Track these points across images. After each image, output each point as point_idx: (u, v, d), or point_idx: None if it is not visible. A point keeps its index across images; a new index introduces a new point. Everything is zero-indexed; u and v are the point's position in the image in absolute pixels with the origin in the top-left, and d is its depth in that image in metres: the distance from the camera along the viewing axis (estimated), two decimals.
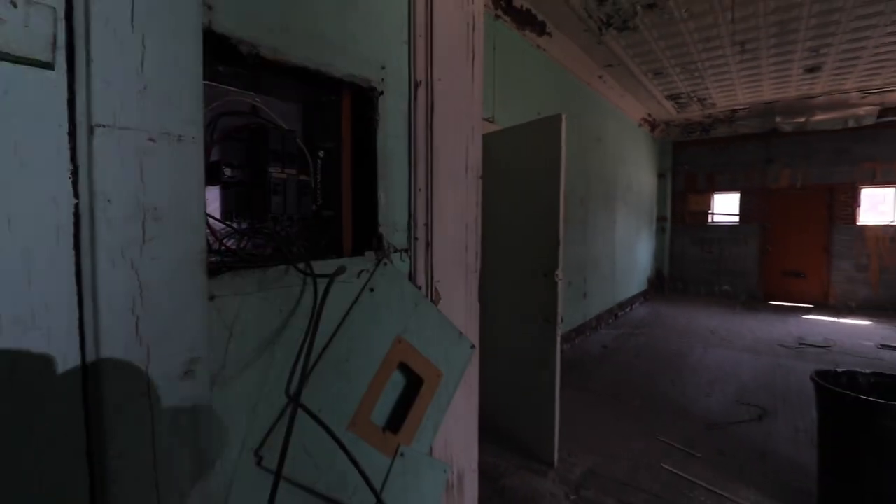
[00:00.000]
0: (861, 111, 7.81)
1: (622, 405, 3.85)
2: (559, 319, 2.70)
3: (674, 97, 7.36)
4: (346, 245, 1.28)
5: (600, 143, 6.49)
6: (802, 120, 8.24)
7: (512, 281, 3.02)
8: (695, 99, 7.49)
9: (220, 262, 0.97)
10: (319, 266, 1.12)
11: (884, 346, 5.83)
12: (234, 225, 1.08)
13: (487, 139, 3.28)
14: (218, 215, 1.08)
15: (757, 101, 7.67)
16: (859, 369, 2.57)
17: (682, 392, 4.18)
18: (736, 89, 6.91)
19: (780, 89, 6.90)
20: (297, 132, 1.19)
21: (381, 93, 1.27)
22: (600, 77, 5.99)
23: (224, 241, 1.06)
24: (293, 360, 1.04)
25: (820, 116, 8.08)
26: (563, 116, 2.69)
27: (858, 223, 8.31)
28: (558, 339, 2.72)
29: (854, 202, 8.34)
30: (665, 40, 4.97)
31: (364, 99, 1.26)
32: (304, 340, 1.05)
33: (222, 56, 0.95)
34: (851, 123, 7.96)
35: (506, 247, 3.07)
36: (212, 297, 0.92)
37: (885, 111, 7.75)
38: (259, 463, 1.03)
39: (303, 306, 1.10)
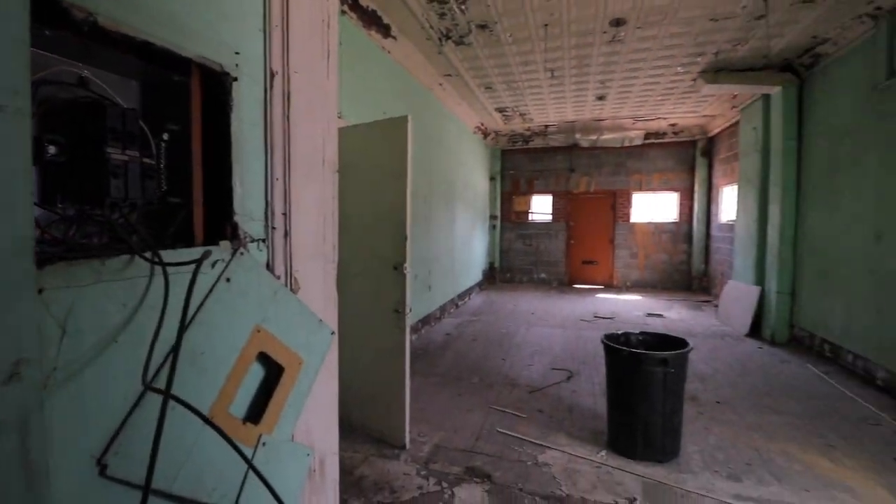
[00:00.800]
0: (632, 134, 10.01)
1: (464, 384, 4.28)
2: (407, 309, 2.90)
3: (501, 110, 8.32)
4: (197, 234, 1.21)
5: (441, 146, 6.99)
6: (595, 138, 10.17)
7: (364, 273, 3.11)
8: (517, 113, 8.59)
9: (53, 252, 0.85)
10: (169, 256, 1.06)
11: (649, 315, 7.62)
12: (60, 211, 0.95)
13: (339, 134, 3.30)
14: (35, 199, 0.94)
15: (563, 120, 9.17)
16: (632, 331, 3.38)
17: (510, 366, 4.84)
18: (547, 108, 8.16)
19: (579, 111, 8.39)
20: (137, 111, 1.09)
21: (235, 78, 1.24)
22: (440, 84, 6.45)
23: (47, 228, 0.92)
24: (143, 357, 0.97)
25: (606, 136, 10.09)
26: (410, 118, 2.88)
27: (631, 221, 10.65)
28: (407, 328, 2.92)
29: (628, 205, 10.65)
30: (494, 59, 5.62)
31: (216, 83, 1.21)
32: (156, 335, 0.99)
33: (51, 20, 0.83)
34: (626, 143, 10.14)
35: (359, 240, 3.14)
36: (41, 290, 0.82)
37: (648, 135, 10.09)
38: (103, 472, 0.94)
39: (151, 298, 1.02)
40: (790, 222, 5.83)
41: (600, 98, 7.48)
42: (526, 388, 4.17)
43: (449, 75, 6.18)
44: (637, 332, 3.37)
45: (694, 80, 6.44)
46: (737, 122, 7.90)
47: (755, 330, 6.21)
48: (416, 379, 4.38)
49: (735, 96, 7.26)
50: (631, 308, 8.25)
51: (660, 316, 7.56)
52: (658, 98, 7.50)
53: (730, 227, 8.32)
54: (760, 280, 6.33)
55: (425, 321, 6.27)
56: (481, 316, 7.50)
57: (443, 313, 7.18)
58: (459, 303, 8.27)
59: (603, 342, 3.12)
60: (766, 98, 6.28)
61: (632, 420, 2.94)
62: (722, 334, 6.33)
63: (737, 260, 7.27)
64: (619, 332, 3.34)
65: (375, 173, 3.03)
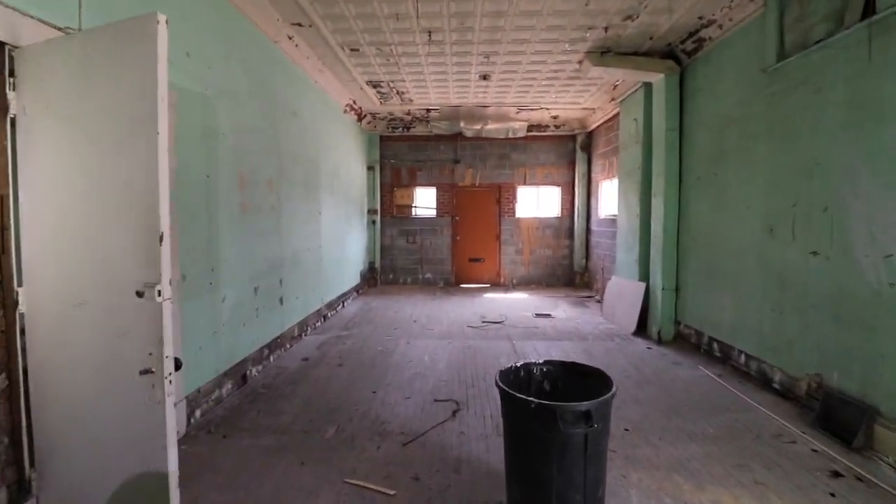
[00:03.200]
0: (516, 125, 9.56)
1: (312, 442, 3.04)
2: (167, 370, 1.59)
3: (375, 84, 7.12)
4: None
5: (297, 119, 5.56)
6: (479, 127, 9.50)
7: (90, 304, 1.71)
8: (395, 91, 7.48)
9: None
10: None
11: (538, 315, 7.10)
12: None
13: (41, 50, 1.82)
14: None
15: (446, 104, 8.28)
16: (534, 361, 2.49)
17: (382, 401, 3.71)
18: (428, 87, 7.17)
19: (462, 93, 7.55)
20: None
21: None
22: (291, 38, 5.02)
23: None
24: None
25: (491, 126, 9.49)
26: (164, 19, 1.57)
27: (517, 216, 10.26)
28: (168, 399, 1.61)
29: (514, 199, 10.24)
30: (356, 5, 4.41)
31: None
32: None
33: None
34: (510, 134, 9.67)
35: (77, 246, 1.72)
36: None
37: (531, 127, 9.72)
38: None
39: None
40: (673, 215, 5.63)
41: (484, 77, 6.70)
42: (399, 438, 3.09)
43: (300, 25, 4.80)
44: (540, 361, 2.49)
45: (580, 61, 5.96)
46: (615, 116, 7.78)
47: (642, 327, 5.96)
48: (242, 441, 3.02)
49: (615, 87, 7.05)
50: (519, 308, 7.69)
51: (548, 316, 7.08)
52: (543, 83, 6.97)
53: (609, 221, 8.24)
54: (645, 276, 6.11)
55: (275, 345, 4.84)
56: (354, 329, 6.26)
57: (304, 329, 5.78)
58: (329, 313, 6.91)
59: (499, 386, 2.15)
60: (648, 87, 6.04)
61: (540, 500, 2.01)
62: (611, 334, 5.97)
63: (619, 255, 7.08)
64: (518, 366, 2.42)
65: (97, 125, 1.64)
